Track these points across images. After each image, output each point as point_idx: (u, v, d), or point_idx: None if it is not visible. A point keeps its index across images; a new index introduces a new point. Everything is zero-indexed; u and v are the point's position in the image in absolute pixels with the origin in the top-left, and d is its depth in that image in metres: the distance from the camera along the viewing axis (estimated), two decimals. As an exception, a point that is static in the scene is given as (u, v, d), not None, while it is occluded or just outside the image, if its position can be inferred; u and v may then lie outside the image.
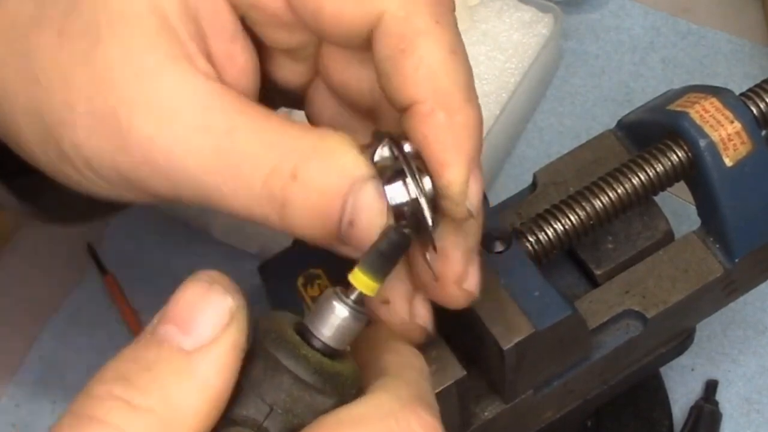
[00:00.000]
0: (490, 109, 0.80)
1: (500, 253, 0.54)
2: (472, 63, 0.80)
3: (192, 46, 0.48)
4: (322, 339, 0.42)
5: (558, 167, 0.61)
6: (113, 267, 0.79)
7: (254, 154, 0.46)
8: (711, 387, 0.74)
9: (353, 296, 0.43)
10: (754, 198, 0.56)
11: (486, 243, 0.54)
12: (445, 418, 0.54)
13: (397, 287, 0.50)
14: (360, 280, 0.42)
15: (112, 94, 0.46)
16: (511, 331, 0.52)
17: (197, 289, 0.42)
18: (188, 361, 0.41)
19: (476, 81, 0.80)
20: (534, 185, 0.60)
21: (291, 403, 0.42)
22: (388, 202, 0.45)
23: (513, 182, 0.81)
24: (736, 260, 0.57)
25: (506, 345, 0.52)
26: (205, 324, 0.41)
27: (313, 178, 0.46)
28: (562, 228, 0.56)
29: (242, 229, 0.78)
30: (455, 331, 0.53)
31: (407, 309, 0.50)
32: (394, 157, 0.46)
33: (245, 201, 0.46)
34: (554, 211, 0.56)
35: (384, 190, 0.45)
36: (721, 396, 0.74)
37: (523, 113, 0.83)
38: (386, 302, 0.50)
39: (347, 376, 0.43)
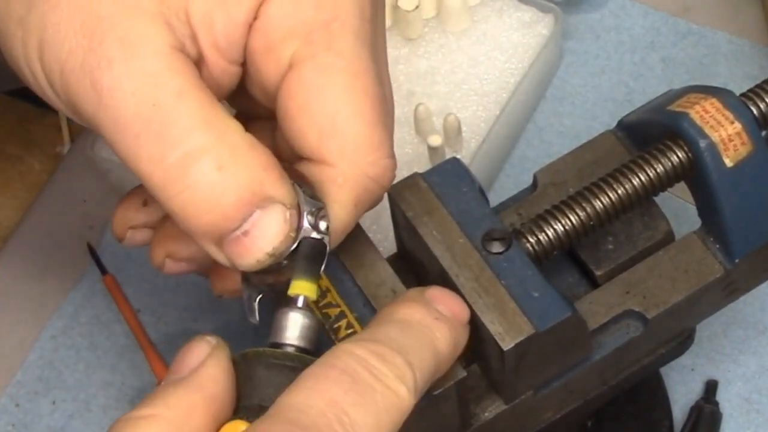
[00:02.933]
0: (490, 109, 0.80)
1: (500, 253, 0.54)
2: (472, 63, 0.82)
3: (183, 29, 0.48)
4: (291, 342, 0.48)
5: (558, 167, 0.60)
6: (113, 267, 0.79)
7: (184, 126, 0.46)
8: (711, 387, 0.74)
9: (299, 303, 0.49)
10: (754, 198, 0.56)
11: (486, 243, 0.54)
12: (445, 419, 0.55)
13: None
14: (300, 287, 0.49)
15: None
16: (511, 332, 0.52)
17: (187, 345, 0.48)
18: (181, 381, 0.46)
19: (476, 81, 0.82)
20: (534, 185, 0.60)
21: (275, 392, 0.46)
22: (290, 233, 0.48)
23: (513, 182, 0.82)
24: (736, 260, 0.57)
25: (506, 346, 0.52)
26: (192, 359, 0.47)
27: (239, 176, 0.47)
28: (562, 228, 0.56)
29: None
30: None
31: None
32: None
33: (150, 166, 0.47)
34: (554, 212, 0.56)
35: (295, 221, 0.48)
36: (721, 396, 0.74)
37: (523, 113, 0.83)
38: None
39: None
